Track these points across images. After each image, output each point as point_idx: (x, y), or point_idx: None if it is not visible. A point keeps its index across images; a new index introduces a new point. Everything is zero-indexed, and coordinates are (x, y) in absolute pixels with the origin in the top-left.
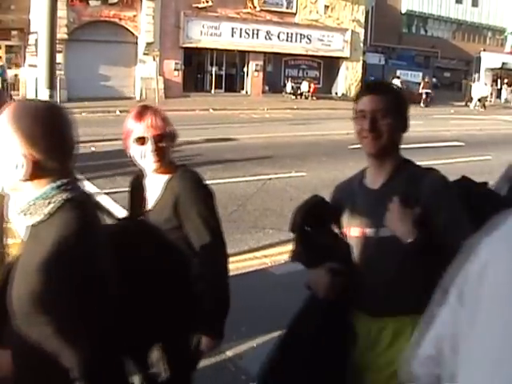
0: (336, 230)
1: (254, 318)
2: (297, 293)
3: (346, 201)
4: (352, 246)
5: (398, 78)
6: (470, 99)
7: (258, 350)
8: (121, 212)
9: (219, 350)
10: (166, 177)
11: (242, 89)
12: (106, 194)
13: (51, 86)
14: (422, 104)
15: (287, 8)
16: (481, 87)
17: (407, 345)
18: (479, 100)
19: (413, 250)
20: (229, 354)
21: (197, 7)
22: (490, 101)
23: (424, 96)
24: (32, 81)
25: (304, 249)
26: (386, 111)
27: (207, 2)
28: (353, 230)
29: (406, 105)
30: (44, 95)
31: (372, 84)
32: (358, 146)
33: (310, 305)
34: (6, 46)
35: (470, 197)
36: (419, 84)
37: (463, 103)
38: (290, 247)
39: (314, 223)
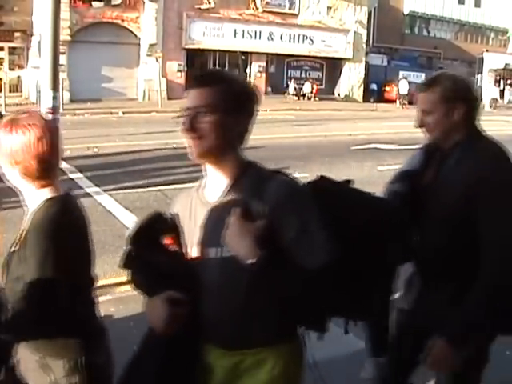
0: (176, 251)
1: None
2: None
3: (186, 215)
4: (194, 269)
5: (406, 78)
6: (481, 100)
7: None
8: (122, 212)
9: None
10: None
11: None
12: (109, 194)
13: (55, 87)
14: None
15: (289, 9)
16: (491, 88)
17: (268, 379)
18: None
19: (256, 272)
20: None
21: (199, 8)
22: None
23: None
24: (35, 82)
25: (140, 276)
26: (212, 107)
27: (210, 3)
28: (193, 250)
29: (245, 97)
30: (47, 97)
31: (199, 76)
32: (361, 147)
33: (150, 340)
34: (9, 47)
35: (328, 199)
36: None
37: None
38: None
39: (149, 245)
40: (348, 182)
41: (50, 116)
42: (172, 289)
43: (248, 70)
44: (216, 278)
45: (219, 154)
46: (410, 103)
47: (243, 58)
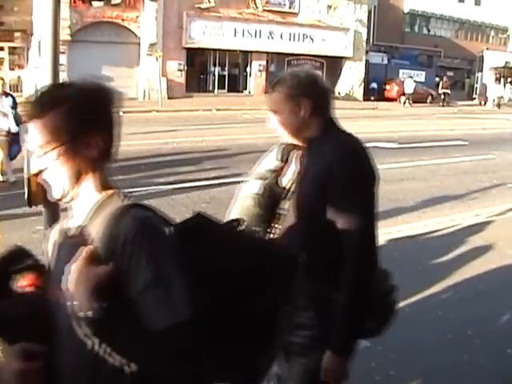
0: (32, 293)
1: None
2: None
3: (51, 249)
4: (49, 315)
5: (411, 77)
6: (486, 99)
7: None
8: None
9: None
10: None
11: (245, 89)
12: None
13: None
14: (440, 103)
15: (290, 8)
16: (496, 87)
17: None
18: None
19: (92, 329)
20: None
21: (199, 7)
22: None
23: (442, 96)
24: (35, 82)
25: None
26: (54, 139)
27: (210, 2)
28: (52, 292)
29: (95, 109)
30: None
31: (33, 102)
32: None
33: None
34: (9, 47)
35: (200, 242)
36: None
37: (469, 102)
38: None
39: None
40: (235, 221)
41: None
42: (27, 339)
43: (248, 69)
44: (61, 327)
45: (75, 186)
46: (415, 102)
47: (243, 57)
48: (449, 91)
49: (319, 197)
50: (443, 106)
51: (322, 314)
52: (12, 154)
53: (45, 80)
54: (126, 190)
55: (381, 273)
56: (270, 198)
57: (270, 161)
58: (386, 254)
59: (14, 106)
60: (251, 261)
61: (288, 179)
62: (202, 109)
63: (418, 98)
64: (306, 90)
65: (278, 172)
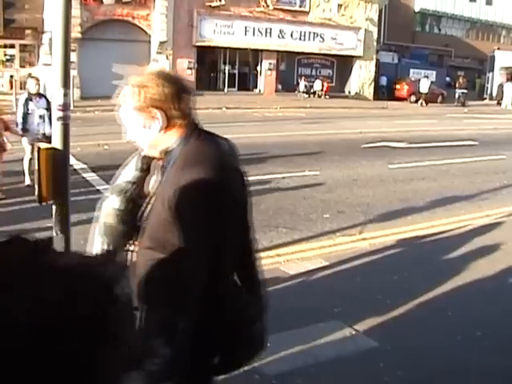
0: None
1: (270, 316)
2: (310, 293)
3: None
4: None
5: (427, 77)
6: (502, 98)
7: (271, 349)
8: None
9: None
10: None
11: (255, 87)
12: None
13: (66, 84)
14: (456, 103)
15: (300, 6)
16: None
17: None
18: None
19: None
20: None
21: (210, 6)
22: None
23: (457, 95)
24: (45, 80)
25: None
26: None
27: (220, 0)
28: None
29: None
30: (58, 94)
31: None
32: (371, 145)
33: None
34: (20, 44)
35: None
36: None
37: (480, 101)
38: (303, 246)
39: None
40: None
41: (60, 113)
42: None
43: (258, 68)
44: None
45: None
46: (429, 102)
47: (253, 55)
48: (466, 91)
49: (164, 218)
50: (462, 105)
51: (170, 342)
52: None
53: (55, 77)
54: None
55: (240, 301)
56: (133, 212)
57: (129, 172)
58: (395, 254)
59: (49, 107)
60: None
61: (151, 189)
62: (212, 107)
63: (428, 98)
64: (157, 101)
65: (138, 183)
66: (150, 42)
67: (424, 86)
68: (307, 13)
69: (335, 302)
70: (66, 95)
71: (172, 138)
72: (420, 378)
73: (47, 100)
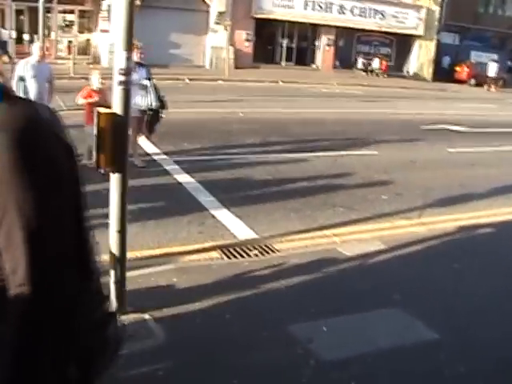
0: None
1: (323, 298)
2: (367, 276)
3: None
4: None
5: (496, 61)
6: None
7: (328, 333)
8: (186, 178)
9: (286, 331)
10: None
11: (313, 62)
12: (175, 161)
13: (129, 48)
14: None
15: None
16: None
17: None
18: None
19: None
20: (297, 335)
21: None
22: None
23: None
24: (104, 46)
25: None
26: None
27: None
28: None
29: None
30: (120, 57)
31: None
32: (430, 127)
33: None
34: (79, 10)
35: None
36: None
37: None
38: (360, 227)
39: None
40: None
41: (121, 78)
42: None
43: (317, 43)
44: None
45: None
46: (479, 85)
47: (312, 30)
48: None
49: None
50: None
51: None
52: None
53: (118, 40)
54: (191, 157)
55: (90, 301)
56: None
57: None
58: (455, 241)
59: (149, 76)
60: None
61: None
62: (268, 80)
63: (492, 82)
64: None
65: None
66: (208, 12)
67: (492, 70)
68: None
69: (394, 287)
70: (128, 59)
71: None
72: (481, 374)
73: (148, 69)
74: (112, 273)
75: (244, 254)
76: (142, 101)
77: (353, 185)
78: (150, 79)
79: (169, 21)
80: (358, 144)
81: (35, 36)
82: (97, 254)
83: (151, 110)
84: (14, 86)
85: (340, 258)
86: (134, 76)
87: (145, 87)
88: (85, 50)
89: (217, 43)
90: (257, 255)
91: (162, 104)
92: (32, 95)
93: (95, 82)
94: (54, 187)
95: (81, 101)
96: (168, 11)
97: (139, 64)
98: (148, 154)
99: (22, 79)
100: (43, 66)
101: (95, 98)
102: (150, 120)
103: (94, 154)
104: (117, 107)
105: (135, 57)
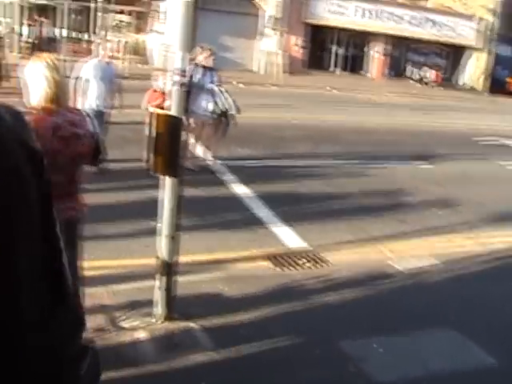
0: None
1: (375, 315)
2: (420, 293)
3: None
4: None
5: None
6: None
7: (380, 353)
8: (238, 186)
9: (337, 348)
10: None
11: (365, 70)
12: (227, 166)
13: (187, 48)
14: None
15: None
16: None
17: None
18: None
19: None
20: (348, 352)
21: None
22: None
23: None
24: (155, 47)
25: None
26: None
27: None
28: None
29: None
30: (177, 58)
31: None
32: (485, 140)
33: None
34: (132, 11)
35: None
36: None
37: None
38: (413, 241)
39: None
40: None
41: (177, 78)
42: None
43: (370, 51)
44: None
45: None
46: None
47: (365, 38)
48: None
49: None
50: None
51: None
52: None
53: (176, 41)
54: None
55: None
56: None
57: None
58: (510, 260)
59: (218, 81)
60: None
61: None
62: (320, 87)
63: None
64: None
65: None
66: (261, 16)
67: None
68: None
69: (449, 307)
70: (183, 60)
71: None
72: None
73: (217, 74)
74: (161, 278)
75: (295, 265)
76: (208, 105)
77: (407, 198)
78: (218, 84)
79: (220, 24)
80: (412, 155)
81: (92, 35)
82: (71, 274)
83: (221, 114)
84: (74, 85)
85: (392, 273)
86: (203, 80)
87: (211, 91)
88: (136, 50)
89: (269, 48)
90: (310, 268)
91: (237, 109)
92: (95, 95)
93: (161, 84)
94: (15, 197)
95: (150, 108)
96: (219, 14)
97: (209, 68)
98: (200, 158)
99: (86, 80)
100: (108, 66)
101: (166, 103)
102: (223, 124)
103: (150, 156)
104: (173, 109)
105: (210, 62)
